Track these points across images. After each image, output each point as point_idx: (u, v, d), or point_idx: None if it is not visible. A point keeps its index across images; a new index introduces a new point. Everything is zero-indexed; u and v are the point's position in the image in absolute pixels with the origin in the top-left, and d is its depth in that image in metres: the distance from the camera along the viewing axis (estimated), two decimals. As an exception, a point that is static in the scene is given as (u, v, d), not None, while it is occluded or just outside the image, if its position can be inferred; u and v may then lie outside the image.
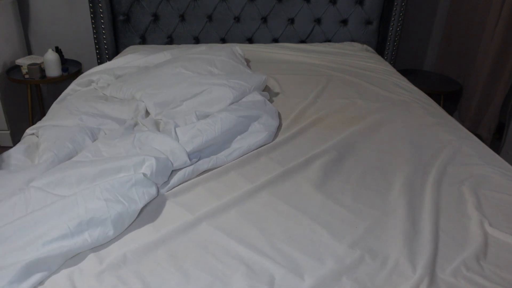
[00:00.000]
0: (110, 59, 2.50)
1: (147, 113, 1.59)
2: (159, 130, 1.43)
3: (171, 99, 1.57)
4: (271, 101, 1.76)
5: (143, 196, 1.05)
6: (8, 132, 2.56)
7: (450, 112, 2.62)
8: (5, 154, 1.29)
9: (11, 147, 2.40)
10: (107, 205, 0.97)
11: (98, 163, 1.13)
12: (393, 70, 2.22)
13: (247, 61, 2.22)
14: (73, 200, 0.97)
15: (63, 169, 1.13)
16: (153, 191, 1.08)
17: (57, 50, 2.53)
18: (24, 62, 2.44)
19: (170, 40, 2.59)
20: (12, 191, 1.07)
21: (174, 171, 1.20)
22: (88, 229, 0.93)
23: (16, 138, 2.59)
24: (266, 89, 1.87)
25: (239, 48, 2.17)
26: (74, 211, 0.95)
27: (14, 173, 1.15)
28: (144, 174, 1.08)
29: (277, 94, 1.84)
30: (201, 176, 1.22)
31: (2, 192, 1.07)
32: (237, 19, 2.56)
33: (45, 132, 1.36)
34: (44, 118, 1.53)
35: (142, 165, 1.11)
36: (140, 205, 1.03)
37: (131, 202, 1.01)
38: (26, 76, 2.40)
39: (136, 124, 1.48)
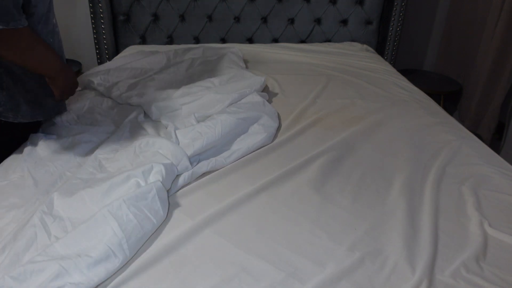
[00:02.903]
0: (110, 59, 2.50)
1: (145, 115, 1.58)
2: (158, 133, 1.42)
3: (170, 104, 1.57)
4: (270, 101, 1.76)
5: (165, 206, 1.03)
6: (8, 132, 2.56)
7: (450, 112, 2.61)
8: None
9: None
10: (140, 224, 0.94)
11: (109, 178, 1.09)
12: (393, 70, 2.22)
13: (247, 62, 2.22)
14: (103, 219, 0.92)
15: (70, 191, 1.07)
16: (166, 198, 1.07)
17: (57, 50, 2.53)
18: (24, 62, 2.43)
19: (170, 40, 2.59)
20: (21, 223, 1.00)
21: (173, 176, 1.18)
22: (129, 247, 0.90)
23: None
24: (265, 89, 1.87)
25: (238, 50, 2.17)
26: (108, 232, 0.90)
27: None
28: (161, 182, 1.06)
29: (276, 94, 1.84)
30: (201, 180, 1.20)
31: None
32: (237, 19, 2.55)
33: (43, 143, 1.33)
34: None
35: (151, 172, 1.09)
36: (164, 216, 1.02)
37: (157, 216, 0.99)
38: (26, 76, 2.40)
39: (131, 125, 1.46)
